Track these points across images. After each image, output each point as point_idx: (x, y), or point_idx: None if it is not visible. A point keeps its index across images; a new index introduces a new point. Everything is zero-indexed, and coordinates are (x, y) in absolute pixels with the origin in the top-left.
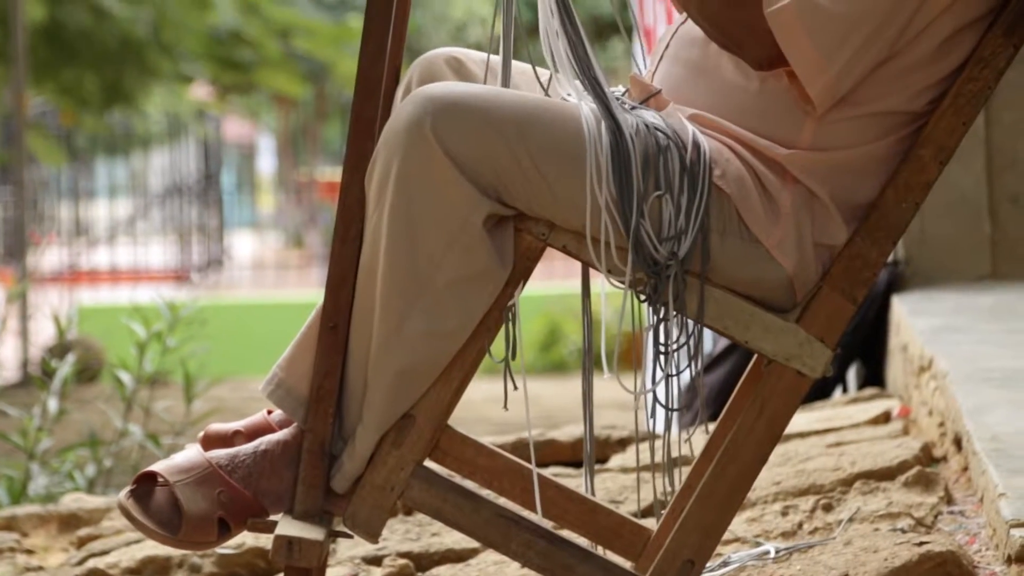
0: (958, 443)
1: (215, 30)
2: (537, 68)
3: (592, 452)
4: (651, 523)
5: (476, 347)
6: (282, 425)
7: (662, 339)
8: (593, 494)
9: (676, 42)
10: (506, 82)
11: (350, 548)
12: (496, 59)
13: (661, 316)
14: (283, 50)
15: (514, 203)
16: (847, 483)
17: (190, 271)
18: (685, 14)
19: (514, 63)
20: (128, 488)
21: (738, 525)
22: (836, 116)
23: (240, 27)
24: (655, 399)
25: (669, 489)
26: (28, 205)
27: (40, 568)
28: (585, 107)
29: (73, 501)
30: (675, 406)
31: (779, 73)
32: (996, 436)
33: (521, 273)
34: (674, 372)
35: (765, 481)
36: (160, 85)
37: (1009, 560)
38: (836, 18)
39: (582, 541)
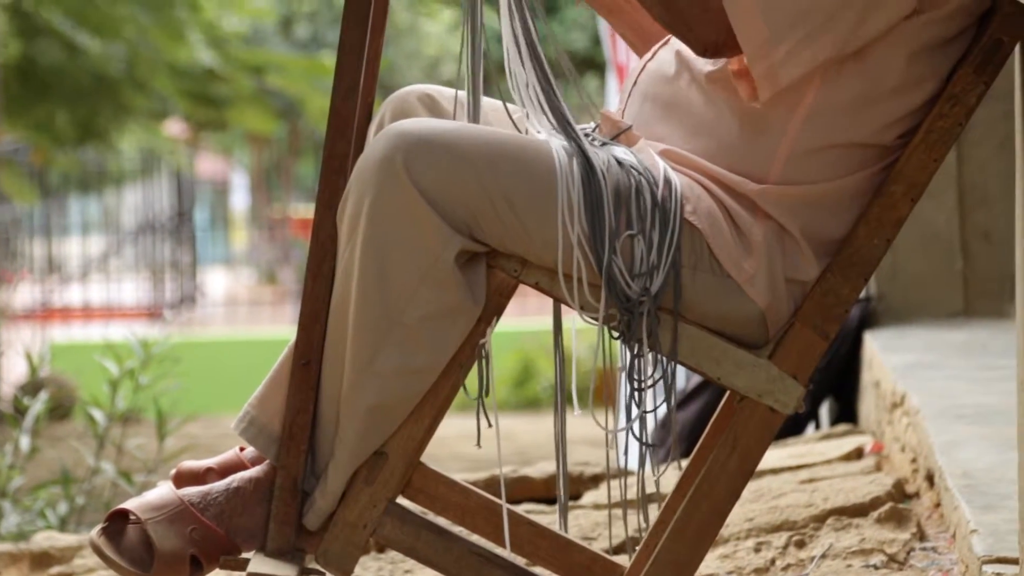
0: (930, 479)
1: (189, 67)
2: (509, 105)
3: (566, 488)
4: (624, 560)
5: (448, 384)
6: (255, 462)
7: (635, 375)
8: (566, 531)
9: (646, 78)
10: (477, 118)
11: None
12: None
13: (634, 353)
14: (256, 87)
15: (486, 239)
16: (820, 519)
17: (163, 308)
18: (651, 51)
19: (486, 100)
20: (100, 526)
21: (711, 561)
22: (806, 148)
23: (214, 64)
24: (628, 435)
25: (642, 525)
26: (0, 243)
27: None
28: (556, 143)
29: (45, 539)
30: (648, 442)
31: (743, 98)
32: (968, 472)
33: (493, 310)
34: (647, 409)
35: (738, 517)
36: (134, 122)
37: None
38: (796, 7)
39: None
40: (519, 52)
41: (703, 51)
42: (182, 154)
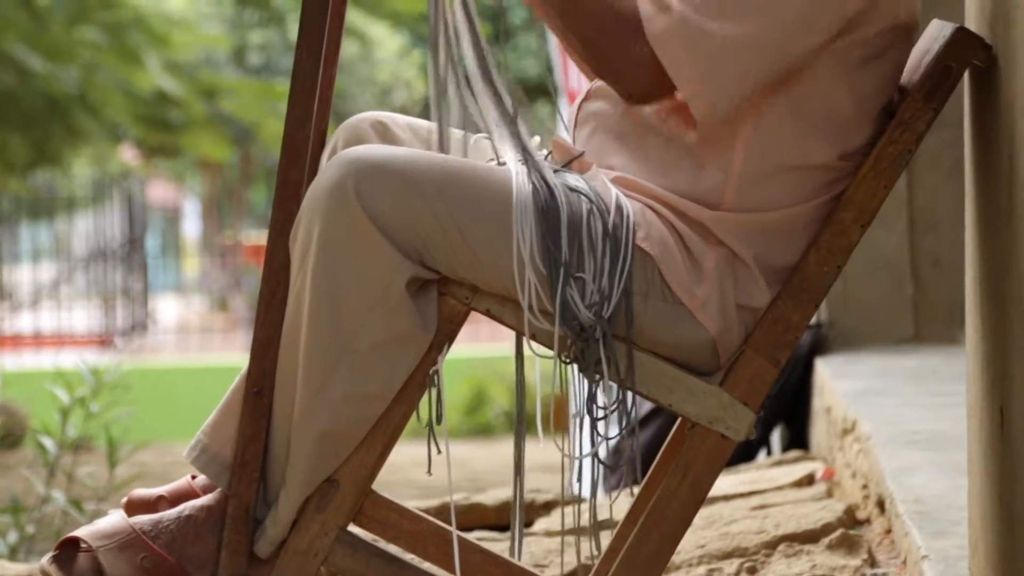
0: (881, 505)
1: (143, 91)
2: (460, 131)
3: (521, 515)
4: None
5: (400, 411)
6: (206, 490)
7: (589, 402)
8: (519, 558)
9: (594, 103)
10: (445, 148)
11: None
12: (421, 122)
13: (587, 379)
14: (210, 112)
15: (437, 266)
16: (771, 546)
17: (114, 335)
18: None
19: (443, 127)
20: (51, 554)
21: None
22: (755, 175)
23: (168, 87)
24: (581, 462)
25: (595, 553)
26: None
27: None
28: (510, 170)
29: None
30: (602, 469)
31: (689, 127)
32: (919, 498)
33: (445, 337)
34: (602, 435)
35: (689, 544)
36: (87, 146)
37: None
38: (723, 42)
39: None
40: (474, 78)
41: (628, 98)
42: (134, 180)
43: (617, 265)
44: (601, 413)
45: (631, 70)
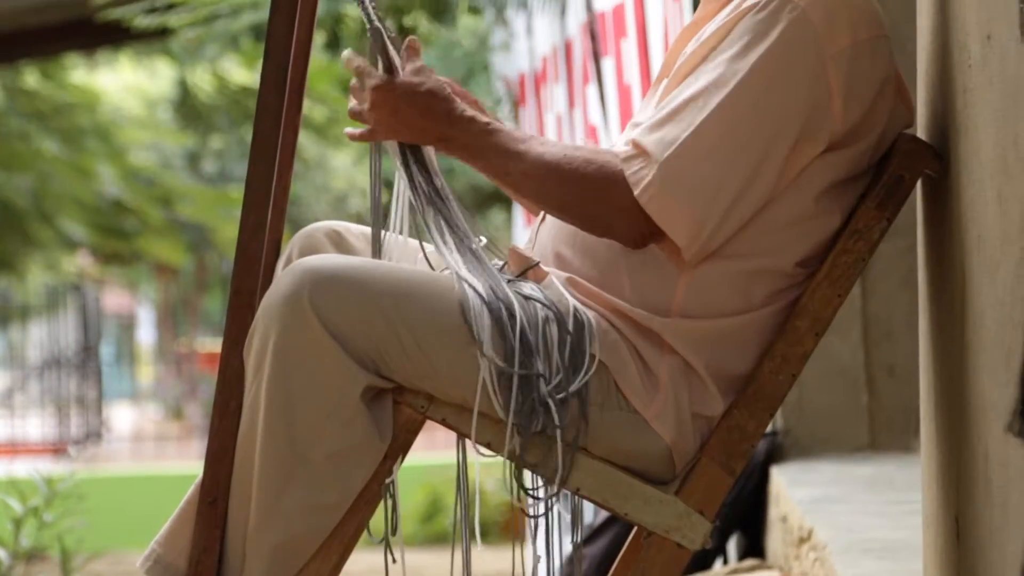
0: None
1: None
2: (414, 239)
3: None
4: None
5: (355, 520)
6: None
7: (542, 511)
8: None
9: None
10: (379, 254)
11: None
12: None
13: (541, 488)
14: (165, 217)
15: (392, 375)
16: None
17: (68, 444)
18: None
19: (394, 236)
20: None
21: None
22: (704, 280)
23: (123, 195)
24: (535, 572)
25: None
26: None
27: None
28: (464, 280)
29: None
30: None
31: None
32: None
33: (401, 446)
34: (556, 544)
35: None
36: (42, 254)
37: None
38: (706, 176)
39: None
40: (423, 187)
41: (634, 245)
42: (88, 288)
43: (579, 373)
44: (550, 522)
45: (621, 219)
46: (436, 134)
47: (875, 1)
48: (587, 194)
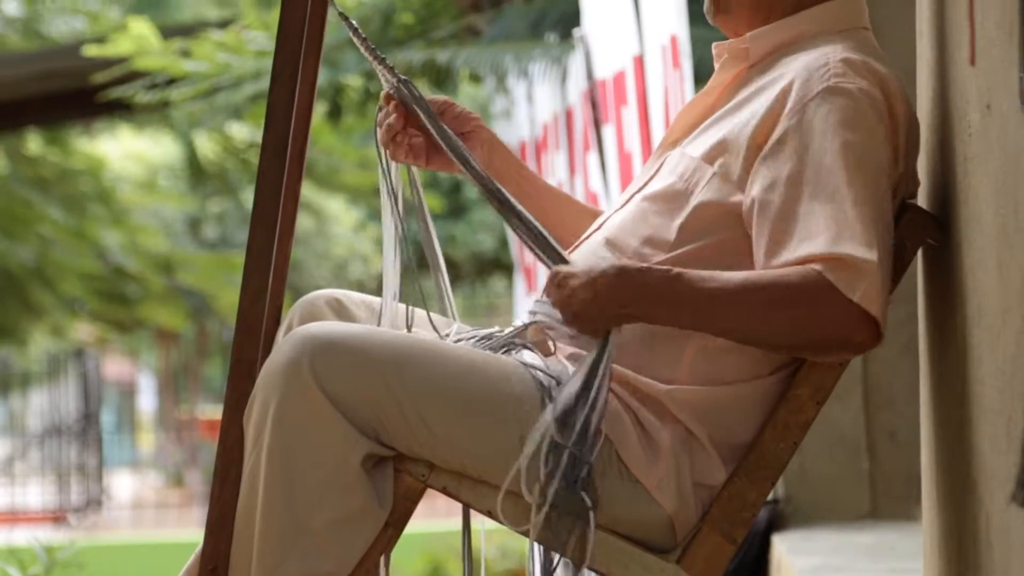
0: None
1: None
2: (416, 308)
3: None
4: None
5: None
6: None
7: None
8: None
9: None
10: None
11: None
12: (376, 299)
13: (543, 556)
14: (166, 283)
15: (393, 443)
16: None
17: (68, 512)
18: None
19: (395, 303)
20: None
21: None
22: (712, 349)
23: (124, 262)
24: None
25: None
26: None
27: None
28: (467, 347)
29: None
30: None
31: None
32: None
33: (401, 514)
34: None
35: None
36: (43, 320)
37: None
38: (881, 261)
39: None
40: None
41: (859, 351)
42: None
43: (583, 445)
44: None
45: (829, 322)
46: (626, 313)
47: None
48: (817, 316)
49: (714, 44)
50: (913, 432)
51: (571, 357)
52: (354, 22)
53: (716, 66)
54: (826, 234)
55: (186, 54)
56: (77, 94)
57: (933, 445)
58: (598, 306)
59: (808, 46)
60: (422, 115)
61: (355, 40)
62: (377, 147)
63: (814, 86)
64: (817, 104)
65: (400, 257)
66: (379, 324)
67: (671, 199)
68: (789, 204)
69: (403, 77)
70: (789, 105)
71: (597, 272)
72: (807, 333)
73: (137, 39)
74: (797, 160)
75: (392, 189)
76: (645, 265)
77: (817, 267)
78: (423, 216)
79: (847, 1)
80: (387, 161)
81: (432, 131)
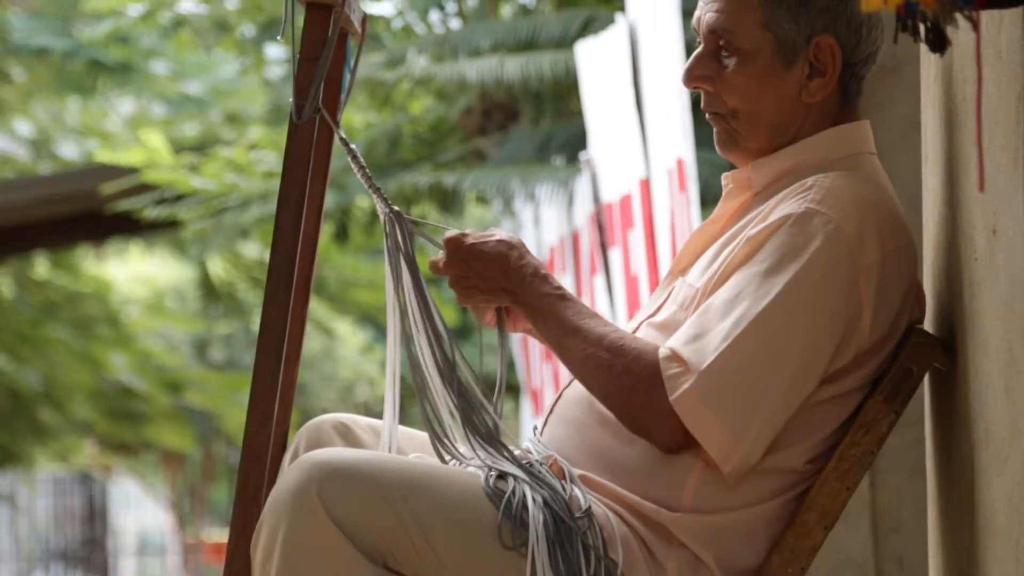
0: None
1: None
2: (422, 431)
3: None
4: None
5: None
6: None
7: None
8: None
9: (562, 403)
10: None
11: None
12: (384, 424)
13: None
14: (174, 403)
15: (401, 569)
16: None
17: None
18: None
19: (402, 428)
20: None
21: None
22: (716, 477)
23: (132, 382)
24: None
25: None
26: None
27: None
28: (474, 473)
29: None
30: None
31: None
32: None
33: None
34: None
35: None
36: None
37: None
38: (743, 390)
39: None
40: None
41: (667, 450)
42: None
43: (588, 569)
44: None
45: (658, 424)
46: (506, 286)
47: (900, 206)
48: (633, 393)
49: (724, 175)
50: (921, 557)
51: (581, 480)
52: (354, 147)
53: (723, 194)
54: (698, 344)
55: (195, 169)
56: (85, 217)
57: (941, 570)
58: (486, 261)
59: (808, 173)
60: (401, 247)
61: (353, 167)
62: (387, 267)
63: (790, 208)
64: (790, 226)
65: (401, 376)
66: (381, 446)
67: (674, 329)
68: (707, 313)
69: (395, 208)
70: (767, 221)
71: (505, 244)
72: (617, 403)
73: (149, 151)
74: (741, 280)
75: (402, 307)
76: (544, 272)
77: (663, 353)
78: (503, 346)
79: (849, 128)
80: (395, 280)
81: (405, 265)
